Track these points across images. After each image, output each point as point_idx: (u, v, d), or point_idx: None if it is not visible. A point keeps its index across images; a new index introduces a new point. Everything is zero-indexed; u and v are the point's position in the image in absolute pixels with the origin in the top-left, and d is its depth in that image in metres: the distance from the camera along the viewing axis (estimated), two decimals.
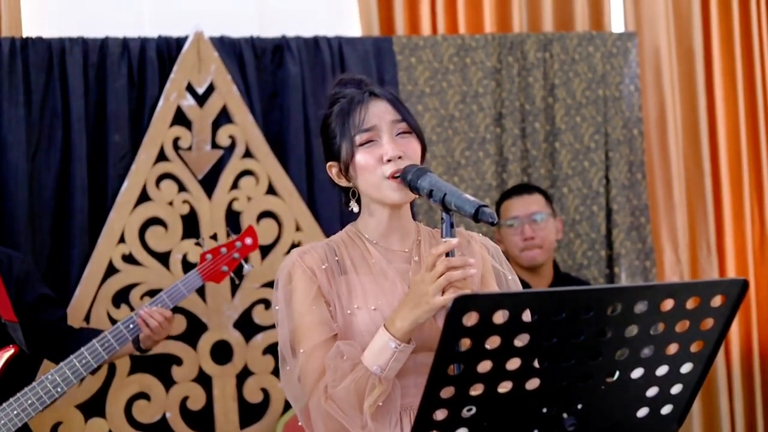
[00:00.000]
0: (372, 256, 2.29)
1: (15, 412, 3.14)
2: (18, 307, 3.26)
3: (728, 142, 4.88)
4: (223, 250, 3.52)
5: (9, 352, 3.16)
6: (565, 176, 4.48)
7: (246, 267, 3.59)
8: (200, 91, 3.94)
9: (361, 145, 2.24)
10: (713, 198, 4.85)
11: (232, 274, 3.57)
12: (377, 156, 2.22)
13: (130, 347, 3.38)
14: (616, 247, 4.51)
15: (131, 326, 3.31)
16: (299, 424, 2.29)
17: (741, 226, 4.88)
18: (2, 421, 3.13)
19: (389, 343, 2.10)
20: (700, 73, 4.83)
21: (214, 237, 3.70)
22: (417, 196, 2.21)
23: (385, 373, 2.11)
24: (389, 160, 2.21)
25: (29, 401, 3.16)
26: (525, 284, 4.00)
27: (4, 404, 3.15)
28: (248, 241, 3.57)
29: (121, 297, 3.82)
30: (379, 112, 2.25)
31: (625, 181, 4.53)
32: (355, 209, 2.33)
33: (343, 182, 2.33)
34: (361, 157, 2.24)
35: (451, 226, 2.10)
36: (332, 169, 2.34)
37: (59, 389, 3.20)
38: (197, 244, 3.72)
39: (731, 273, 4.83)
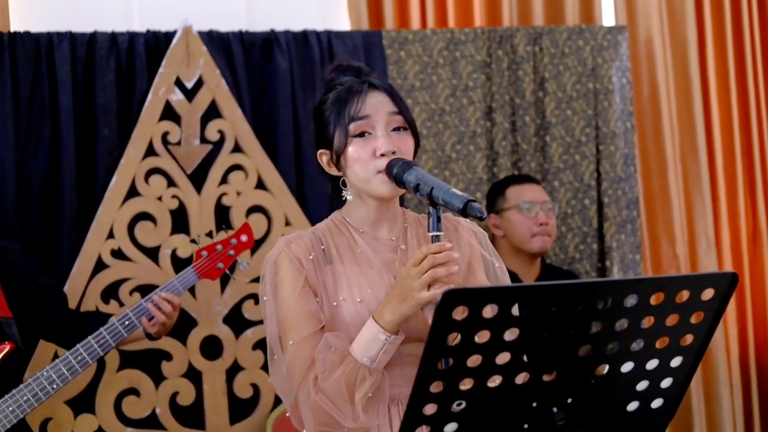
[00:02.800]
0: (358, 246, 2.28)
1: (10, 408, 3.14)
2: (15, 300, 3.24)
3: (722, 135, 4.88)
4: (219, 247, 3.50)
5: (5, 349, 3.15)
6: (556, 170, 4.47)
7: (242, 265, 3.58)
8: (189, 85, 3.93)
9: (355, 136, 2.22)
10: (710, 191, 4.85)
11: (227, 271, 3.57)
12: (370, 150, 2.20)
13: (141, 334, 3.36)
14: (607, 241, 4.51)
15: (126, 323, 3.28)
16: (287, 415, 2.28)
17: (736, 220, 4.89)
18: None
19: (379, 335, 2.10)
20: (694, 65, 4.84)
21: (210, 234, 3.69)
22: (404, 190, 2.20)
23: (375, 365, 2.11)
24: (383, 155, 2.19)
25: (24, 398, 3.15)
26: (513, 274, 3.99)
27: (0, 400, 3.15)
28: (244, 238, 3.56)
29: (111, 292, 3.80)
30: (376, 103, 2.23)
31: (621, 174, 4.52)
32: (349, 198, 2.30)
33: (333, 171, 2.30)
34: (354, 150, 2.21)
35: (438, 220, 2.09)
36: (323, 157, 2.31)
37: (54, 386, 3.19)
38: (192, 241, 3.71)
39: (727, 267, 4.83)
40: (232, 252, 3.52)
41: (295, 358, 2.18)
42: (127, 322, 3.28)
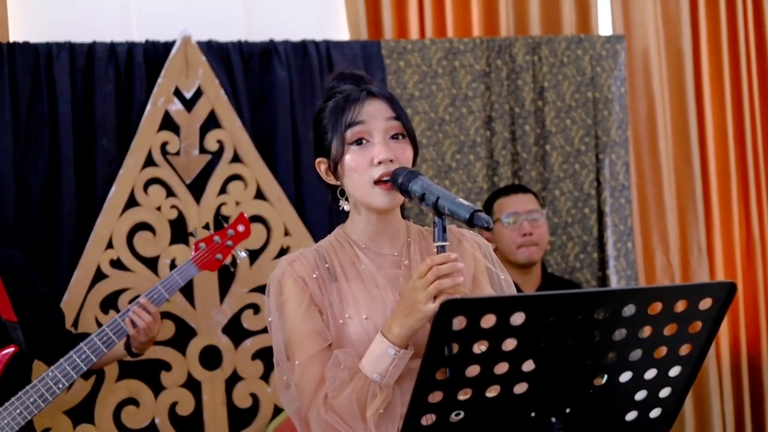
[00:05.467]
0: (361, 262, 2.25)
1: (18, 410, 3.14)
2: (17, 306, 3.25)
3: (716, 144, 4.90)
4: (216, 238, 3.51)
5: (9, 351, 3.16)
6: (556, 179, 4.48)
7: (241, 255, 3.58)
8: (188, 95, 3.93)
9: (352, 143, 2.19)
10: (703, 200, 4.85)
11: (227, 263, 3.56)
12: (368, 158, 2.18)
13: (123, 352, 3.37)
14: (607, 250, 4.51)
15: (122, 323, 3.31)
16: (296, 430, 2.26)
17: (729, 228, 4.89)
18: (5, 421, 3.13)
19: (388, 349, 2.08)
20: (689, 75, 4.85)
21: (207, 227, 3.68)
22: (406, 199, 2.18)
23: (386, 380, 2.09)
24: (380, 163, 2.17)
25: (31, 399, 3.15)
26: (514, 285, 3.99)
27: (6, 404, 3.15)
28: (240, 228, 3.56)
29: (110, 302, 3.80)
30: (373, 111, 2.20)
31: (624, 182, 4.53)
32: (346, 208, 2.28)
33: (331, 180, 2.28)
34: (351, 158, 2.19)
35: (444, 230, 2.07)
36: (321, 166, 2.29)
37: (60, 385, 3.19)
38: (190, 234, 3.72)
39: (720, 275, 4.84)
40: (230, 243, 3.52)
41: (303, 377, 2.16)
42: (122, 323, 3.31)
